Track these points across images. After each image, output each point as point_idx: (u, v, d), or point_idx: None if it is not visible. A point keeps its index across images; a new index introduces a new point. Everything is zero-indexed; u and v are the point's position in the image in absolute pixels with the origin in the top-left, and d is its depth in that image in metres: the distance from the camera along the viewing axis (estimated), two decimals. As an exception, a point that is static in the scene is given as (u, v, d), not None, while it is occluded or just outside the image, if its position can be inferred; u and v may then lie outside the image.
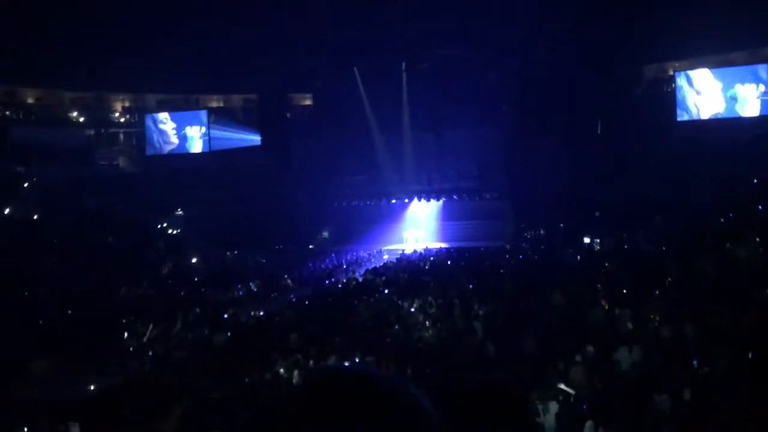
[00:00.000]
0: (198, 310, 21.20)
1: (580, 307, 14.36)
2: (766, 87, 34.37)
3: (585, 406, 8.62)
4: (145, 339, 17.17)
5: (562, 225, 33.30)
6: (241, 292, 25.05)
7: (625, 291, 15.29)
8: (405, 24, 35.09)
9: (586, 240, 28.98)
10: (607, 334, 11.83)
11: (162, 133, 43.91)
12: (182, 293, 24.63)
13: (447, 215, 40.91)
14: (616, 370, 9.88)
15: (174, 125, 43.85)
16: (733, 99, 35.36)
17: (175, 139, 43.90)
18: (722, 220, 21.55)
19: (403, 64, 40.89)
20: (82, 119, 42.74)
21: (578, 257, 24.14)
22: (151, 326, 17.78)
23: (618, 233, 27.63)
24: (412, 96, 40.68)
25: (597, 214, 32.58)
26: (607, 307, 13.88)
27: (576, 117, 37.17)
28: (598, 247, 27.18)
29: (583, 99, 36.50)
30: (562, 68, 36.01)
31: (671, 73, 38.71)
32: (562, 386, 9.57)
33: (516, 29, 33.71)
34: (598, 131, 38.96)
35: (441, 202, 40.76)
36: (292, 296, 23.93)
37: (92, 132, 43.38)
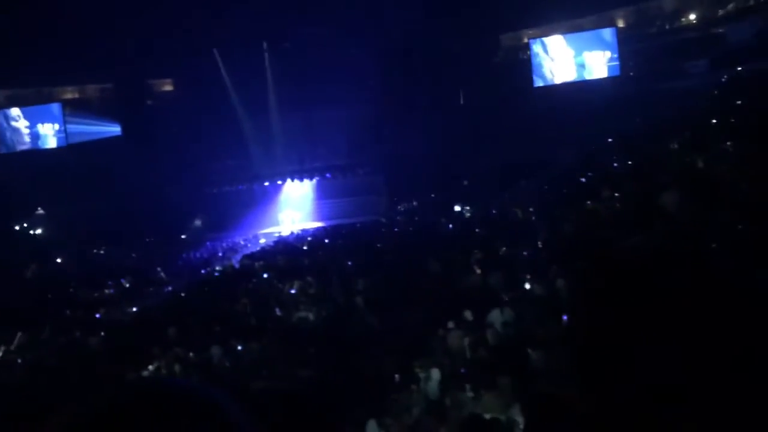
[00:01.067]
0: (68, 311, 20.33)
1: (455, 274, 14.78)
2: (611, 52, 36.35)
3: (464, 370, 8.93)
4: (12, 347, 16.28)
5: (433, 195, 34.10)
6: (112, 290, 24.16)
7: (496, 254, 15.85)
8: (262, 3, 34.55)
9: (457, 208, 29.78)
10: (482, 297, 12.23)
11: (14, 130, 41.37)
12: (50, 295, 23.52)
13: (321, 194, 40.99)
14: (491, 331, 10.25)
15: (26, 121, 41.38)
16: (582, 66, 37.23)
17: (28, 136, 41.46)
18: (582, 179, 22.65)
19: (264, 44, 40.33)
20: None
21: (450, 226, 24.76)
22: (19, 334, 16.85)
23: (486, 199, 28.57)
24: (277, 76, 40.24)
25: (465, 182, 33.59)
26: (479, 271, 14.34)
27: (439, 88, 38.01)
28: (468, 215, 27.99)
29: (444, 70, 37.37)
30: (422, 40, 36.70)
31: (526, 40, 40.18)
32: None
33: (375, 3, 33.94)
34: (461, 101, 40.01)
35: (314, 181, 40.73)
36: (167, 289, 23.34)
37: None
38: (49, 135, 41.43)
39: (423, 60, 37.05)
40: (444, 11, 35.05)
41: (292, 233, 33.88)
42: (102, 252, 32.63)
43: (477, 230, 20.85)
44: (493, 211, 25.10)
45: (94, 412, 0.89)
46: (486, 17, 36.28)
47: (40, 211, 36.58)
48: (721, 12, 34.95)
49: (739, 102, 22.61)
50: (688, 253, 0.95)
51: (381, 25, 35.52)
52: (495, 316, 10.80)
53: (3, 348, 16.13)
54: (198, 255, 31.19)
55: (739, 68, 29.34)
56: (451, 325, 10.77)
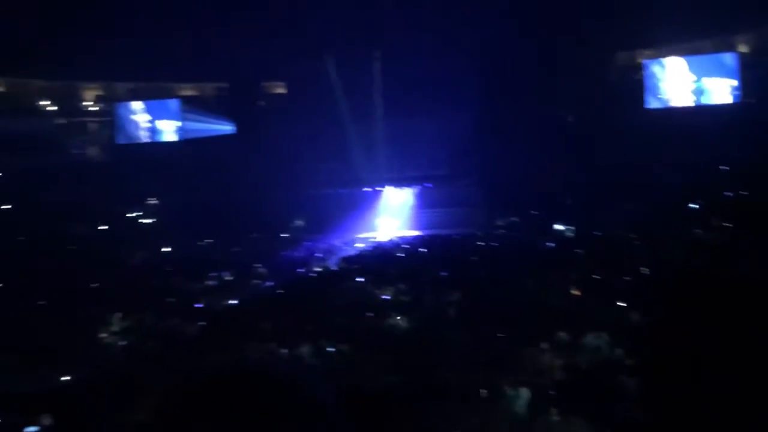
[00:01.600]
0: (169, 299, 21.07)
1: (550, 294, 14.52)
2: (732, 78, 34.86)
3: (553, 392, 8.75)
4: (115, 330, 17.03)
5: (533, 212, 33.56)
6: (214, 282, 24.90)
7: (595, 277, 15.48)
8: (376, 11, 35.01)
9: (557, 227, 29.24)
10: (577, 320, 11.97)
11: (133, 122, 43.47)
12: (154, 283, 24.46)
13: (420, 203, 40.98)
14: (584, 355, 10.01)
15: (146, 114, 43.40)
16: (701, 90, 35.86)
17: (146, 129, 43.47)
18: (691, 206, 21.86)
19: (376, 52, 40.83)
20: (51, 108, 42.15)
21: (549, 244, 24.35)
22: (119, 317, 17.61)
23: (589, 220, 27.91)
24: (386, 83, 40.62)
25: (568, 201, 32.90)
26: (577, 293, 14.04)
27: (547, 104, 37.40)
28: (570, 234, 27.44)
29: (553, 85, 36.72)
30: (533, 55, 36.18)
31: (640, 60, 39.07)
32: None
33: (486, 13, 33.76)
34: (569, 117, 39.26)
35: (414, 189, 40.80)
36: (265, 285, 23.86)
37: (62, 121, 42.84)
38: (167, 129, 43.38)
39: (532, 73, 36.52)
40: (556, 25, 34.52)
41: (388, 240, 34.02)
42: (206, 244, 33.71)
43: (577, 251, 20.41)
44: (595, 233, 24.52)
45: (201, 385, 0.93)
46: (601, 34, 35.48)
47: (151, 201, 38.17)
48: None
49: None
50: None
51: (491, 35, 35.27)
52: (589, 340, 10.54)
53: (107, 329, 16.91)
54: (297, 254, 31.75)
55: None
56: (544, 345, 10.57)
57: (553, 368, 9.75)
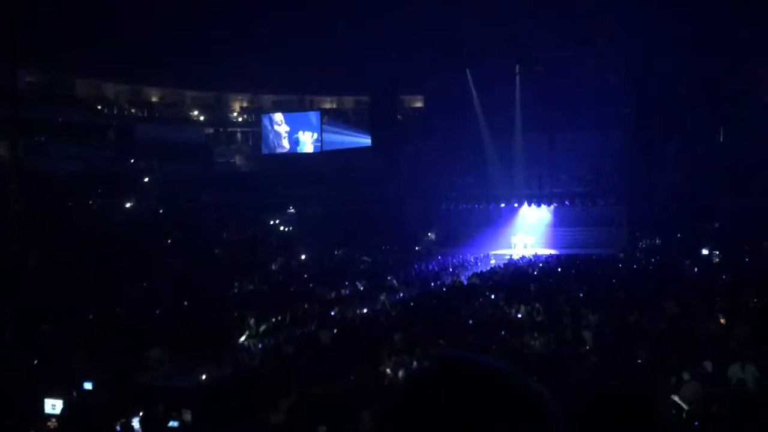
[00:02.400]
0: (306, 306, 21.64)
1: (694, 321, 13.80)
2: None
3: (697, 423, 8.28)
4: (255, 332, 17.67)
5: (679, 235, 32.07)
6: (347, 291, 25.38)
7: (744, 305, 14.61)
8: (518, 25, 34.66)
9: (704, 251, 27.82)
10: (722, 349, 11.32)
11: (276, 133, 45.20)
12: (291, 289, 25.23)
13: (558, 221, 40.08)
14: (729, 387, 9.44)
15: (287, 126, 45.01)
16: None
17: (287, 140, 45.08)
18: None
19: (517, 67, 40.40)
20: (201, 118, 44.55)
21: (695, 269, 23.19)
22: (254, 320, 18.27)
23: (739, 245, 26.40)
24: (525, 98, 40.07)
25: (717, 224, 31.23)
26: (723, 321, 13.28)
27: (697, 121, 35.71)
28: (717, 260, 26.03)
29: (704, 102, 35.03)
30: (683, 70, 34.69)
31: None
32: (676, 398, 9.25)
33: (635, 29, 32.69)
34: (721, 137, 37.24)
35: (552, 207, 39.94)
36: (397, 296, 24.07)
37: (211, 130, 45.19)
38: (307, 141, 44.82)
39: (683, 91, 35.01)
40: (708, 41, 32.89)
41: (523, 257, 33.45)
42: (341, 254, 34.47)
43: (724, 277, 19.31)
44: (746, 259, 23.14)
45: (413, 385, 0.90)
46: (758, 56, 33.53)
47: (291, 210, 39.49)
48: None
49: None
50: None
51: (639, 51, 34.09)
52: (735, 371, 9.92)
53: (246, 332, 17.57)
54: (429, 267, 31.84)
55: None
56: (686, 375, 10.02)
57: (698, 399, 9.23)
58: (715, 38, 32.76)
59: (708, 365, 10.38)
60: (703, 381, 9.91)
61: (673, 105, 35.23)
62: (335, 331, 17.23)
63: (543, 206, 39.95)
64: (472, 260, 34.42)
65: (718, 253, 27.04)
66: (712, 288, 17.43)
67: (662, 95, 35.38)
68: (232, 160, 45.21)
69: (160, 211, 32.18)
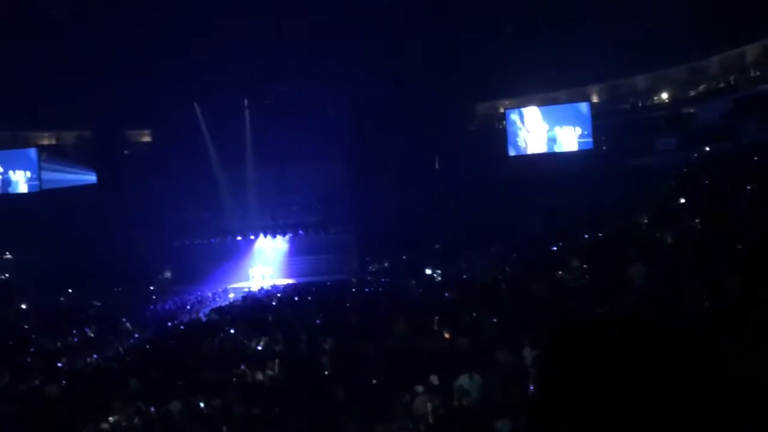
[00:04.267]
0: (28, 359, 19.92)
1: (422, 337, 14.74)
2: (582, 128, 37.16)
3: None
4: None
5: (404, 257, 34.18)
6: (76, 338, 23.74)
7: (464, 319, 15.85)
8: (245, 60, 34.98)
9: (428, 271, 29.86)
10: (449, 362, 12.20)
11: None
12: (10, 342, 23.04)
13: (293, 250, 40.88)
14: (457, 397, 10.21)
15: (0, 164, 40.95)
16: (554, 138, 37.98)
17: (3, 181, 40.95)
18: (552, 248, 22.93)
19: (245, 101, 40.74)
20: None
21: (420, 289, 24.79)
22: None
23: (456, 264, 28.69)
24: (255, 131, 40.54)
25: (437, 245, 33.76)
26: (448, 336, 14.32)
27: (414, 150, 38.48)
28: (439, 278, 28.05)
29: (420, 133, 37.88)
30: (400, 103, 37.25)
31: (502, 110, 40.99)
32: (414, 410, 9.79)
33: (353, 64, 34.50)
34: (436, 165, 40.49)
35: (287, 237, 40.65)
36: (132, 340, 22.99)
37: None
38: (20, 180, 40.93)
39: (400, 122, 37.59)
40: (422, 77, 35.74)
41: (261, 289, 33.61)
42: (68, 299, 32.15)
43: (446, 294, 20.86)
44: (464, 276, 25.18)
45: None
46: (465, 85, 37.06)
47: (7, 255, 36.08)
48: (691, 92, 35.99)
49: (706, 181, 23.18)
50: (652, 324, 1.02)
51: (359, 85, 36.03)
52: (463, 382, 10.76)
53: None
54: (165, 307, 30.81)
55: (707, 148, 30.12)
56: (419, 388, 10.69)
57: (427, 413, 9.89)
58: (422, 76, 35.65)
59: (434, 379, 11.12)
60: (431, 394, 10.64)
61: (389, 136, 37.61)
62: (63, 383, 16.02)
63: (278, 237, 40.53)
64: (210, 296, 33.91)
65: (439, 272, 29.17)
66: (435, 305, 18.70)
67: (379, 128, 37.67)
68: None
69: None
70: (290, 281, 36.47)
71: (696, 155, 30.14)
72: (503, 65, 33.53)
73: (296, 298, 27.70)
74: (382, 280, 31.43)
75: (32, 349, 21.86)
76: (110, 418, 12.30)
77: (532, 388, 9.91)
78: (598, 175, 31.32)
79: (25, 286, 32.08)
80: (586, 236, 22.82)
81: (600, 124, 36.90)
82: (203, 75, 35.82)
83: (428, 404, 10.07)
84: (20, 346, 22.23)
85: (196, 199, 39.86)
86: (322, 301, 24.95)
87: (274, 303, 27.05)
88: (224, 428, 11.10)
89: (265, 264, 40.20)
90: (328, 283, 32.29)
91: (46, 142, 43.91)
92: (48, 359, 19.62)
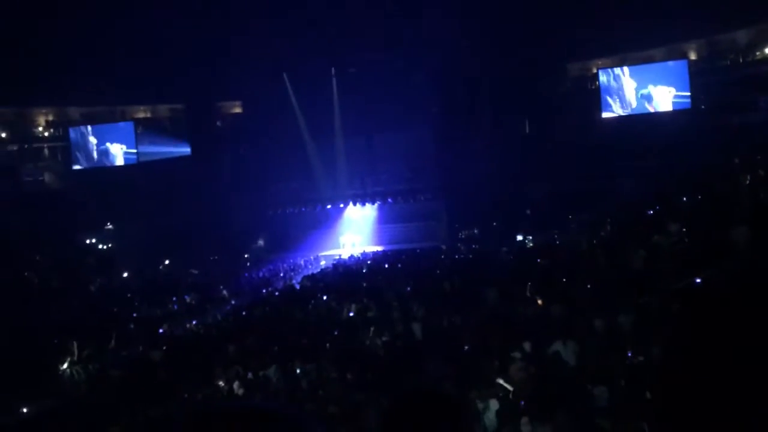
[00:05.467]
0: (132, 326, 20.77)
1: (514, 304, 14.59)
2: (679, 87, 35.71)
3: (523, 402, 8.77)
4: (77, 359, 16.69)
5: (495, 224, 33.84)
6: (176, 306, 24.62)
7: (557, 286, 15.59)
8: (332, 29, 35.10)
9: (519, 237, 29.50)
10: (542, 329, 12.03)
11: (88, 146, 42.75)
12: (115, 309, 24.10)
13: (382, 218, 41.10)
14: (551, 365, 10.06)
15: (98, 138, 42.66)
16: (651, 98, 36.64)
17: (100, 153, 42.72)
18: (649, 212, 22.22)
19: (333, 69, 40.94)
20: (2, 135, 41.30)
21: (511, 255, 24.51)
22: (76, 345, 17.23)
23: (549, 230, 28.21)
24: (343, 100, 40.75)
25: (528, 211, 33.25)
26: (540, 302, 14.12)
27: (503, 115, 37.87)
28: (530, 245, 27.67)
29: (509, 97, 37.20)
30: (488, 67, 36.65)
31: (595, 70, 39.76)
32: (501, 381, 9.71)
33: (440, 30, 34.09)
34: (526, 129, 39.75)
35: (375, 205, 40.89)
36: (228, 307, 23.66)
37: (15, 148, 41.98)
38: (119, 154, 42.57)
39: (488, 86, 37.00)
40: (511, 39, 35.00)
41: (352, 256, 33.98)
42: (167, 268, 33.32)
43: (539, 260, 20.55)
44: (557, 242, 24.75)
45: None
46: (554, 46, 36.11)
47: (110, 226, 37.62)
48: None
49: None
50: (760, 289, 0.93)
51: (445, 50, 35.63)
52: (558, 349, 10.59)
53: (68, 359, 16.56)
54: (259, 274, 31.55)
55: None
56: (516, 354, 10.59)
57: (521, 379, 9.78)
58: (510, 39, 34.87)
59: (527, 346, 10.98)
60: (524, 361, 10.51)
61: (478, 101, 37.11)
62: (165, 349, 16.66)
63: (367, 205, 40.81)
64: (303, 263, 34.51)
65: (531, 238, 28.78)
66: (528, 271, 18.46)
67: (466, 93, 37.17)
68: (40, 178, 42.27)
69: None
70: (380, 248, 36.74)
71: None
72: (595, 23, 32.47)
73: (386, 266, 27.88)
74: (473, 246, 31.25)
75: (135, 316, 22.79)
76: (212, 383, 12.71)
77: (630, 354, 9.67)
78: (698, 136, 30.08)
79: (126, 256, 33.38)
80: (685, 199, 21.99)
81: (699, 82, 35.37)
82: (290, 45, 36.12)
83: (524, 371, 9.95)
84: (123, 313, 23.20)
85: (286, 169, 40.50)
86: (412, 269, 25.03)
87: (364, 270, 27.31)
88: (320, 392, 11.30)
89: (355, 232, 40.60)
90: (418, 251, 32.36)
91: (141, 115, 45.41)
92: (150, 326, 20.40)
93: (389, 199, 40.00)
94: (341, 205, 41.16)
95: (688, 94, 35.69)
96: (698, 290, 1.00)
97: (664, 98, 36.28)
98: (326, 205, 40.98)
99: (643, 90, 36.80)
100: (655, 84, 36.43)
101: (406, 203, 39.71)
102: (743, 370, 0.85)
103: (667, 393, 0.99)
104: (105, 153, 42.51)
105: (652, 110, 36.57)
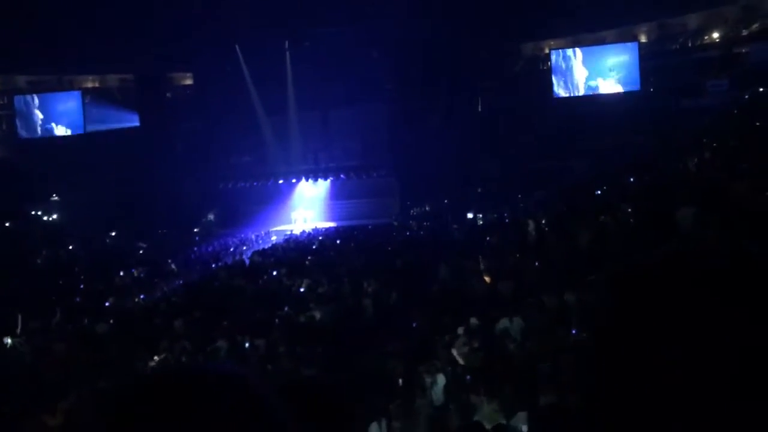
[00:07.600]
0: (78, 299, 20.41)
1: (464, 281, 14.72)
2: (629, 70, 36.32)
3: (469, 377, 8.88)
4: (21, 332, 16.32)
5: (446, 201, 34.05)
6: (124, 280, 24.25)
7: (506, 264, 15.77)
8: (286, 1, 34.61)
9: (470, 215, 29.72)
10: (490, 306, 12.17)
11: (34, 115, 41.60)
12: (61, 282, 23.63)
13: (335, 194, 41.00)
14: (498, 341, 10.19)
15: (46, 108, 41.56)
16: (603, 79, 37.17)
17: (47, 122, 41.66)
18: (597, 192, 22.59)
19: (286, 43, 40.44)
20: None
21: (462, 232, 24.69)
22: (20, 318, 16.82)
23: (498, 207, 28.48)
24: (297, 75, 40.32)
25: (479, 189, 33.52)
26: (489, 280, 14.27)
27: (457, 94, 37.97)
28: (481, 222, 27.90)
29: (464, 75, 37.33)
30: (443, 46, 36.64)
31: (547, 51, 40.10)
32: (454, 352, 9.83)
33: (396, 5, 33.93)
34: (479, 108, 39.95)
35: (328, 181, 40.76)
36: (177, 282, 23.40)
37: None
38: (70, 120, 41.59)
39: (442, 64, 37.01)
40: (466, 17, 35.01)
41: (303, 232, 33.86)
42: (114, 241, 32.76)
43: (488, 238, 20.74)
44: (506, 220, 24.99)
45: (116, 396, 0.86)
46: (508, 26, 36.27)
47: (55, 197, 36.78)
48: (744, 32, 34.73)
49: (758, 123, 22.46)
50: (702, 269, 0.93)
51: (401, 27, 35.51)
52: (504, 325, 10.74)
53: (12, 332, 16.18)
54: (209, 249, 31.25)
55: (761, 88, 29.15)
56: (460, 331, 10.71)
57: (469, 354, 9.89)
58: (466, 17, 34.89)
59: (473, 321, 11.12)
60: (472, 336, 10.63)
61: (433, 80, 37.11)
62: (111, 322, 16.41)
63: (320, 181, 40.66)
64: (254, 238, 34.26)
65: (480, 216, 29.01)
66: (477, 249, 18.62)
67: (422, 71, 37.14)
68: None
69: None
70: (332, 224, 36.67)
71: (748, 96, 29.21)
72: (549, 3, 32.68)
73: (338, 242, 27.85)
74: (424, 223, 31.40)
75: (81, 288, 22.39)
76: (157, 357, 12.58)
77: (574, 331, 9.84)
78: (646, 118, 30.61)
79: (73, 227, 32.72)
80: (632, 179, 22.39)
81: (648, 65, 35.96)
82: (243, 16, 35.54)
83: (470, 347, 10.07)
84: (70, 286, 22.77)
85: (238, 143, 40.09)
86: (363, 245, 25.06)
87: (315, 246, 27.25)
88: (269, 366, 11.27)
89: (307, 207, 40.43)
90: (370, 227, 32.39)
91: (90, 85, 44.31)
92: (96, 299, 20.07)
93: (342, 175, 39.91)
94: (294, 181, 40.92)
95: (638, 75, 36.31)
96: (631, 270, 0.99)
97: (618, 77, 36.88)
98: (278, 180, 40.69)
99: (592, 82, 37.36)
100: (608, 66, 36.94)
101: (359, 179, 39.66)
102: (665, 354, 0.85)
103: (590, 373, 1.00)
104: (56, 121, 41.48)
105: (607, 91, 37.12)
